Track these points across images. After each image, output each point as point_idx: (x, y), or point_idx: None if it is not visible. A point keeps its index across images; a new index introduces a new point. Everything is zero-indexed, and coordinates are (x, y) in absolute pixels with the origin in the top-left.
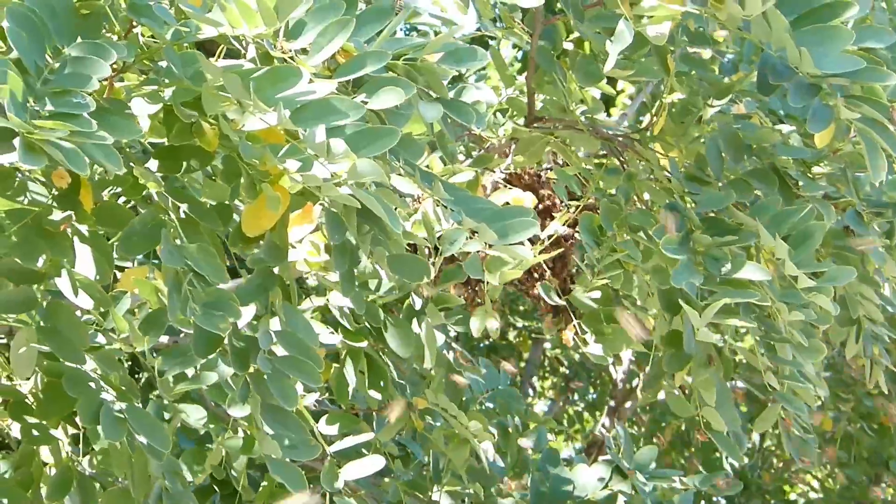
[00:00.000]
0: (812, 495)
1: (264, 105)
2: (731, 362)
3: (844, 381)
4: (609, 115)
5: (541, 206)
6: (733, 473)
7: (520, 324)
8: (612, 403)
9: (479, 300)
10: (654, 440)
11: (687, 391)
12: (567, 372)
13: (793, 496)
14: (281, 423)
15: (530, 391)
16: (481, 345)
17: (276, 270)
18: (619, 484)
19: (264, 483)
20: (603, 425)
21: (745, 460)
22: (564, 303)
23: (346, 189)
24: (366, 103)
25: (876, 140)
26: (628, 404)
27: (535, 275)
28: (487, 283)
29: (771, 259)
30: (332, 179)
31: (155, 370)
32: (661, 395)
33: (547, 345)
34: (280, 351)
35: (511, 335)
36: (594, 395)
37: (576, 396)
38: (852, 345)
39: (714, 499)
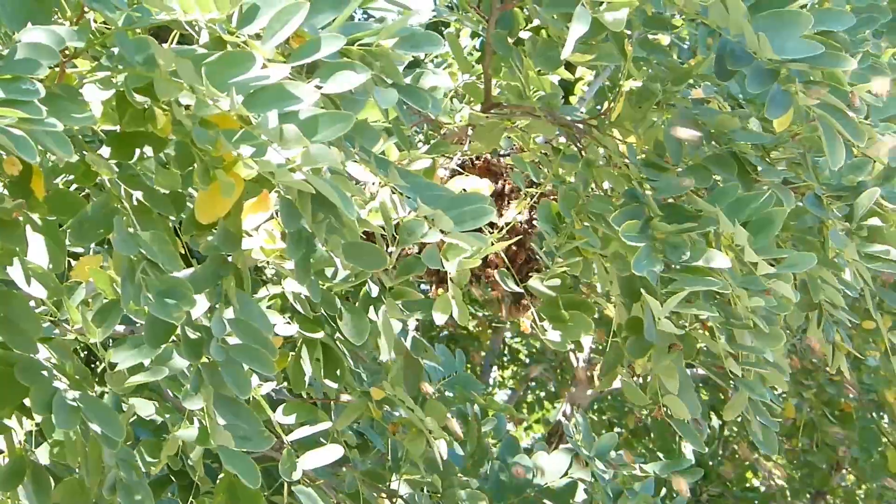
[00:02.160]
0: (772, 483)
1: (217, 91)
2: (693, 346)
3: (806, 369)
4: (568, 102)
5: (498, 193)
6: (694, 461)
7: (479, 313)
8: (572, 391)
9: (444, 289)
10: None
11: (646, 378)
12: (527, 361)
13: (755, 482)
14: (234, 414)
15: (490, 380)
16: (441, 334)
17: (229, 258)
18: (579, 472)
19: (222, 475)
20: (563, 413)
21: (706, 448)
22: (522, 290)
23: (299, 175)
24: (320, 88)
25: (834, 126)
26: (589, 392)
27: (494, 263)
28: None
29: (731, 245)
30: (286, 165)
31: (107, 362)
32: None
33: (507, 334)
34: (233, 340)
35: (471, 325)
36: (554, 385)
37: (534, 383)
38: (814, 329)
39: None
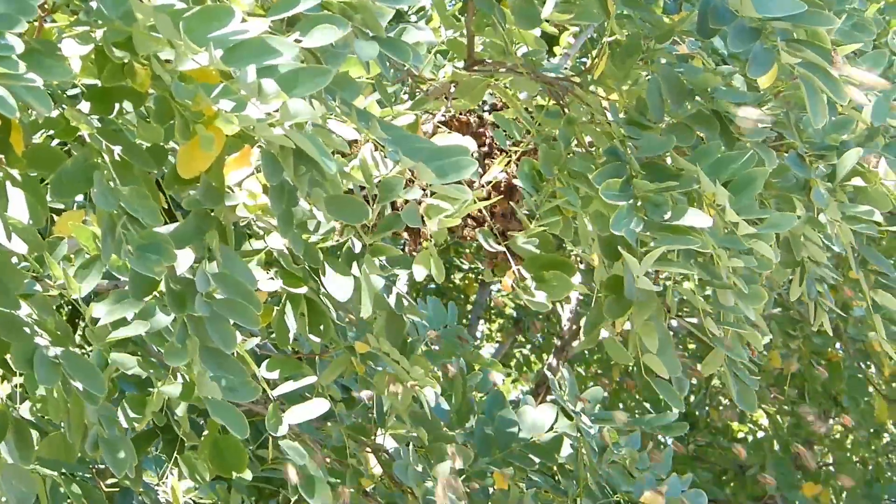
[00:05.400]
0: (760, 434)
1: (196, 45)
2: (673, 303)
3: (793, 319)
4: (552, 55)
5: (482, 151)
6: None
7: (465, 266)
8: (558, 344)
9: (422, 244)
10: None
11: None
12: (514, 315)
13: (741, 435)
14: (220, 365)
15: (477, 334)
16: (427, 287)
17: (212, 212)
18: (565, 425)
19: (206, 431)
20: (549, 366)
21: (683, 406)
22: (504, 249)
23: (279, 130)
24: (300, 42)
25: (817, 85)
26: (575, 343)
27: (475, 221)
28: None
29: (712, 205)
30: (266, 120)
31: (88, 317)
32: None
33: (493, 288)
34: (218, 294)
35: (457, 278)
36: (541, 338)
37: (523, 339)
38: (796, 287)
39: (661, 439)
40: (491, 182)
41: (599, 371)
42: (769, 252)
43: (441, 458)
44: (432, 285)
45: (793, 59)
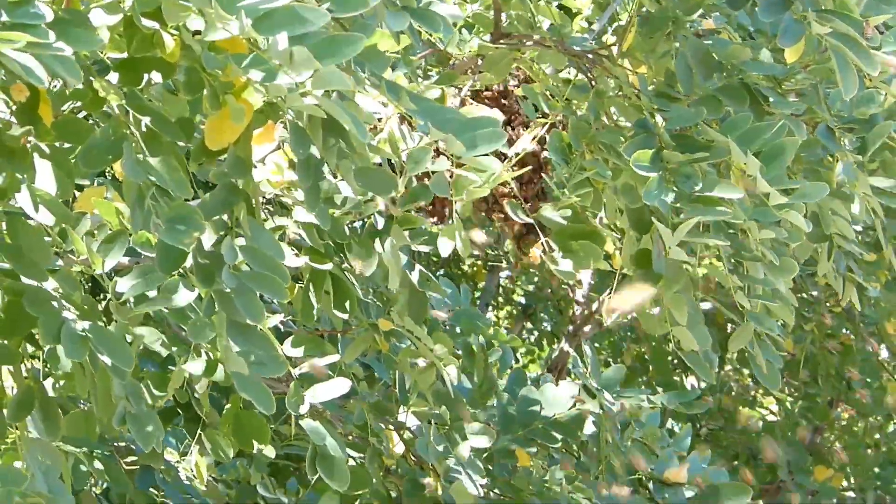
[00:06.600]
0: (771, 418)
1: (226, 14)
2: (696, 280)
3: (807, 301)
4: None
5: (508, 124)
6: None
7: (475, 252)
8: (570, 329)
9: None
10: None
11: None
12: (523, 301)
13: (752, 421)
14: (247, 340)
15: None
16: (437, 273)
17: (240, 185)
18: (587, 403)
19: (228, 406)
20: (562, 351)
21: (714, 380)
22: (532, 221)
23: (310, 99)
24: (331, 11)
25: (847, 56)
26: (587, 328)
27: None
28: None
29: (742, 176)
30: (297, 89)
31: (112, 292)
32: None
33: (502, 274)
34: (246, 267)
35: (466, 264)
36: (550, 324)
37: (530, 325)
38: (824, 262)
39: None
40: (519, 154)
41: (610, 357)
42: (801, 222)
43: (463, 434)
44: (440, 271)
45: (823, 29)
